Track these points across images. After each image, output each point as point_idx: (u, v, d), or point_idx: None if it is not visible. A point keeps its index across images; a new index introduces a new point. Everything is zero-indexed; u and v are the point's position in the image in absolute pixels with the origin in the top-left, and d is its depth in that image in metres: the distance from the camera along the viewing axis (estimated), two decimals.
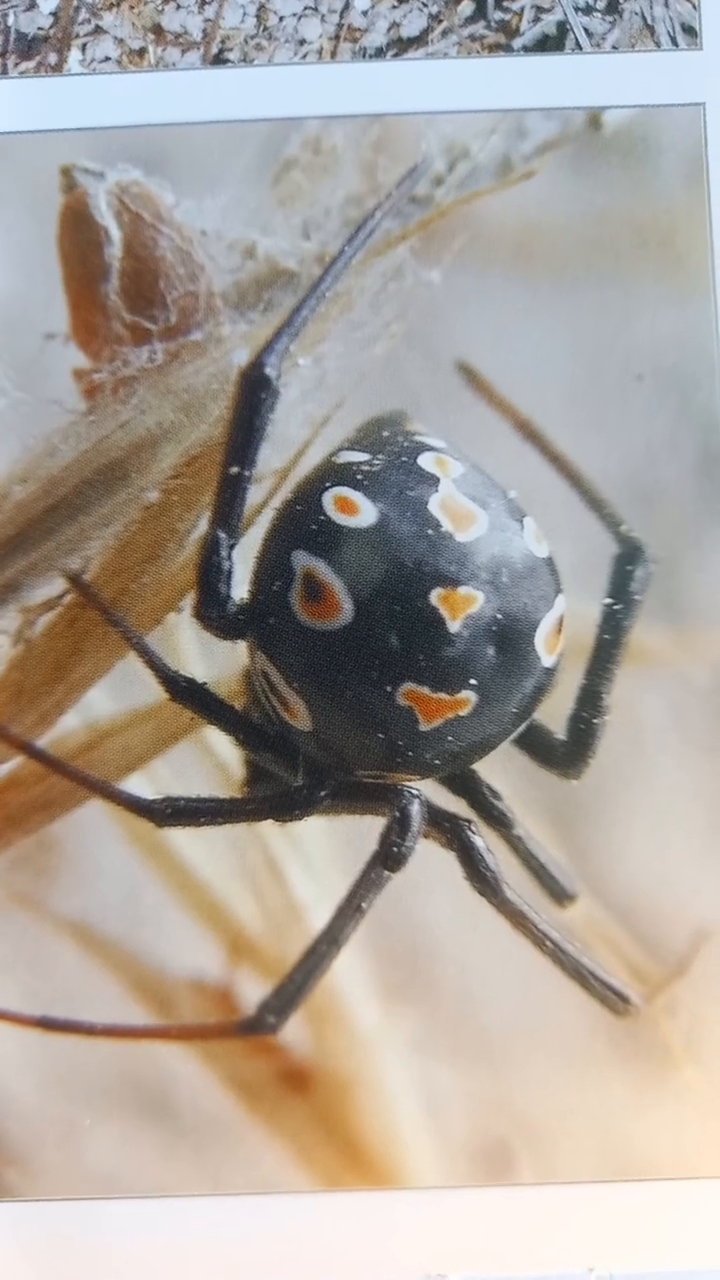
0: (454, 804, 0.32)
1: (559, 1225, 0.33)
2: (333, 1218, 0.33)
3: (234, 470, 0.29)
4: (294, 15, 0.35)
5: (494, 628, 0.29)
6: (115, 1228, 0.33)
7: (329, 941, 0.30)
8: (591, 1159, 0.34)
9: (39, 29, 0.35)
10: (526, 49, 0.34)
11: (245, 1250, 0.33)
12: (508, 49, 0.35)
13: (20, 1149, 0.34)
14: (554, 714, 0.31)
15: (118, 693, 0.32)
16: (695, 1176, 0.33)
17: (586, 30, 0.34)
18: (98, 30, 0.35)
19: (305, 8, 0.34)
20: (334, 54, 0.34)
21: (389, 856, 0.30)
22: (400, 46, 0.35)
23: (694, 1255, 0.33)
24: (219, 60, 0.35)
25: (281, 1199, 0.34)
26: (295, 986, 0.30)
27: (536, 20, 0.34)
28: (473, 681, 0.29)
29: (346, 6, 0.34)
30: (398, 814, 0.30)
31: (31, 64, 0.35)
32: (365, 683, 0.28)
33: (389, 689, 0.28)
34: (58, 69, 0.35)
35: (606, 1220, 0.33)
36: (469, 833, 0.31)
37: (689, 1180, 0.33)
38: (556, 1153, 0.34)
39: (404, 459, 0.30)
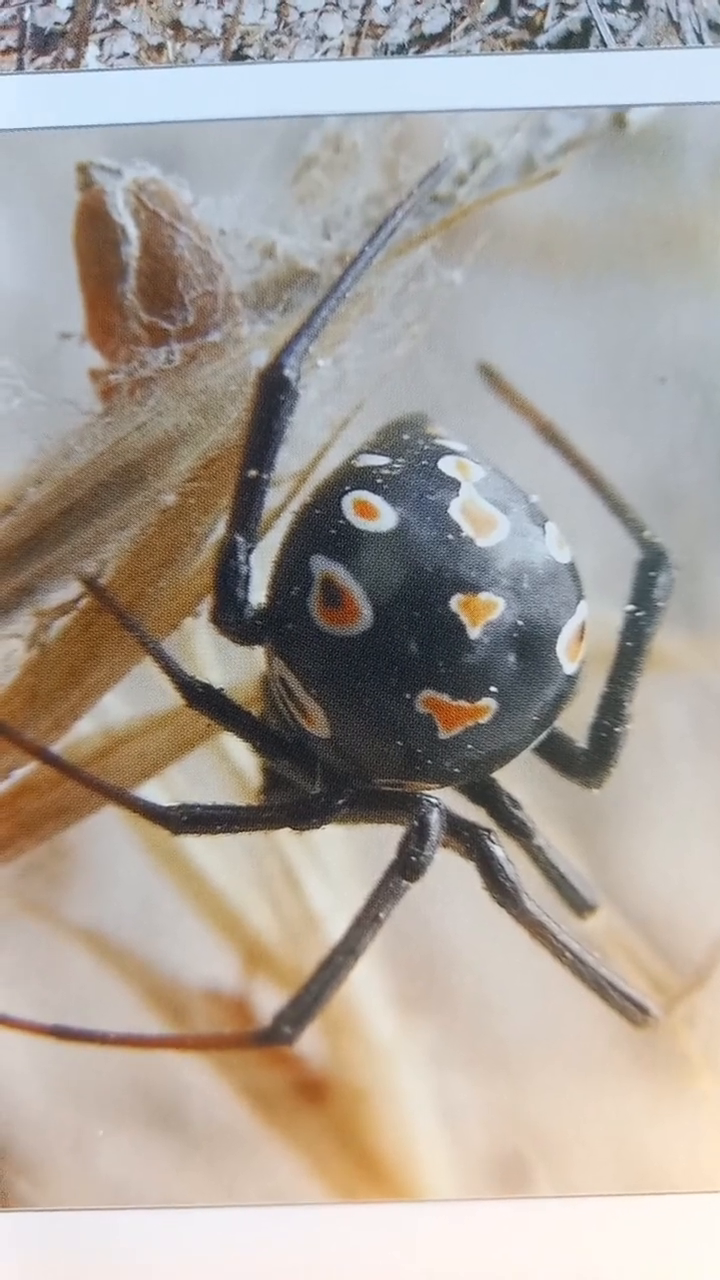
0: (473, 813, 0.31)
1: (575, 1238, 0.33)
2: (348, 1230, 0.33)
3: (252, 473, 0.29)
4: (315, 11, 0.34)
5: (515, 634, 0.28)
6: (127, 1239, 0.33)
7: (346, 951, 0.30)
8: (608, 1171, 0.33)
9: (56, 24, 0.35)
10: (550, 46, 0.34)
11: (258, 1262, 0.33)
12: (531, 46, 0.34)
13: (31, 1159, 0.34)
14: (575, 722, 0.31)
15: (133, 698, 0.32)
16: (712, 1190, 0.33)
17: (611, 27, 0.34)
18: (115, 25, 0.34)
19: (326, 3, 0.34)
20: (355, 50, 0.34)
21: (407, 866, 0.30)
22: (422, 43, 0.34)
23: (710, 1269, 0.33)
24: (238, 56, 0.34)
25: (296, 1211, 0.33)
26: (312, 997, 0.30)
27: (561, 17, 0.34)
28: (493, 689, 0.28)
29: (368, 3, 0.34)
30: (416, 823, 0.30)
31: (48, 59, 0.34)
32: (384, 690, 0.28)
33: (408, 696, 0.28)
34: (75, 64, 0.34)
35: (622, 1233, 0.33)
36: (488, 842, 0.31)
37: (706, 1194, 0.33)
38: (573, 1165, 0.33)
39: (424, 463, 0.29)
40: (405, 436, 0.31)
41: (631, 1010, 0.31)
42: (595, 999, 0.31)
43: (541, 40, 0.34)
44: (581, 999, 0.31)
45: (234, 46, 0.34)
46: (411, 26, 0.34)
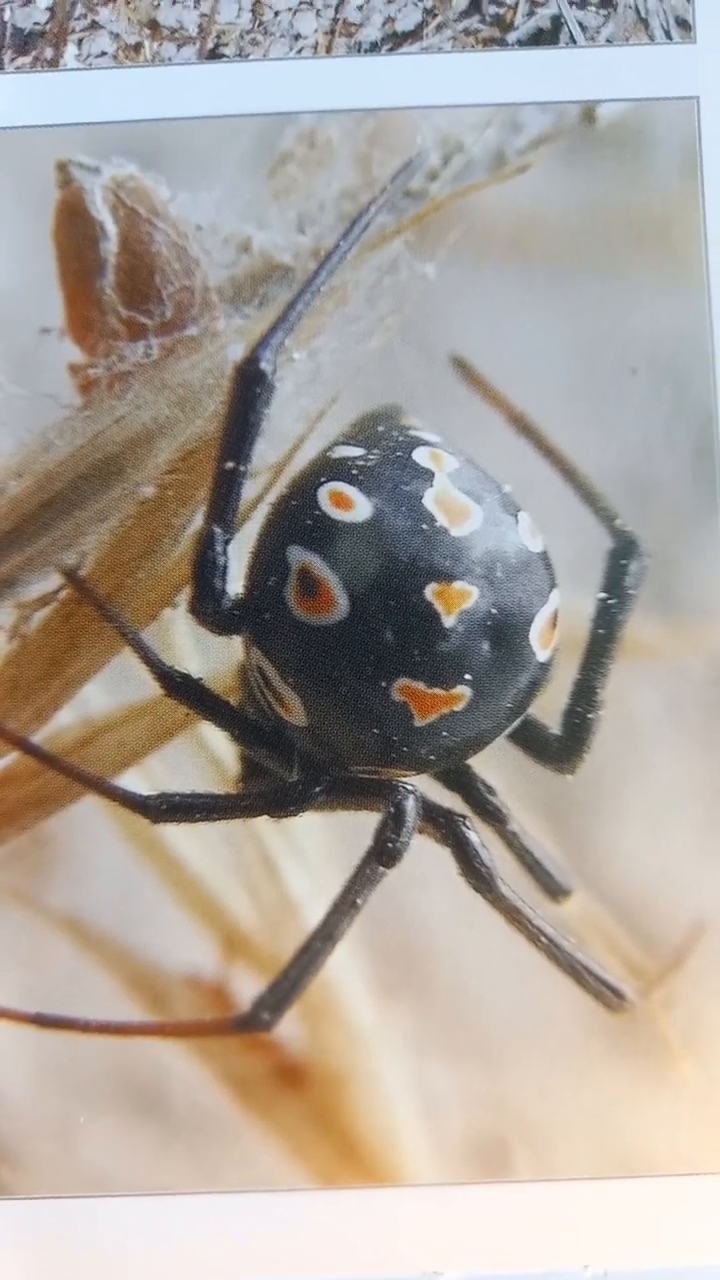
0: (449, 799, 0.32)
1: (555, 1222, 0.33)
2: (329, 1215, 0.33)
3: (229, 465, 0.29)
4: (289, 10, 0.35)
5: (489, 622, 0.29)
6: (109, 1226, 0.33)
7: (324, 938, 0.30)
8: (588, 1155, 0.34)
9: (35, 24, 0.35)
10: (521, 43, 0.34)
11: (241, 1248, 0.33)
12: (502, 43, 0.35)
13: (13, 1146, 0.34)
14: (549, 709, 0.31)
15: (113, 688, 0.32)
16: (692, 1173, 0.33)
17: (580, 24, 0.34)
18: (94, 25, 0.35)
19: (301, 2, 0.34)
20: (329, 49, 0.34)
21: (384, 852, 0.30)
22: (395, 41, 0.34)
23: (690, 1252, 0.33)
24: (214, 55, 0.35)
25: (277, 1196, 0.34)
26: (290, 983, 0.30)
27: (531, 14, 0.34)
28: (467, 676, 0.29)
29: (342, 1, 0.34)
30: (392, 809, 0.30)
31: (27, 59, 0.35)
32: (360, 678, 0.28)
33: (384, 684, 0.28)
34: (54, 64, 0.34)
35: (603, 1217, 0.33)
36: (464, 828, 0.31)
37: (686, 1176, 0.33)
38: (553, 1149, 0.34)
39: (399, 454, 0.30)
40: (380, 428, 0.31)
41: (607, 995, 0.31)
42: (573, 984, 0.31)
43: (512, 37, 0.34)
44: (559, 984, 0.31)
45: (210, 45, 0.35)
46: (384, 25, 0.34)
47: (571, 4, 0.34)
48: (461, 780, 0.32)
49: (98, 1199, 0.34)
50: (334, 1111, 0.34)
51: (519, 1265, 0.33)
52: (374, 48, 0.35)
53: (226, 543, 0.29)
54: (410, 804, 0.30)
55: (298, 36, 0.35)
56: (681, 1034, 0.34)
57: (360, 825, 0.31)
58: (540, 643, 0.29)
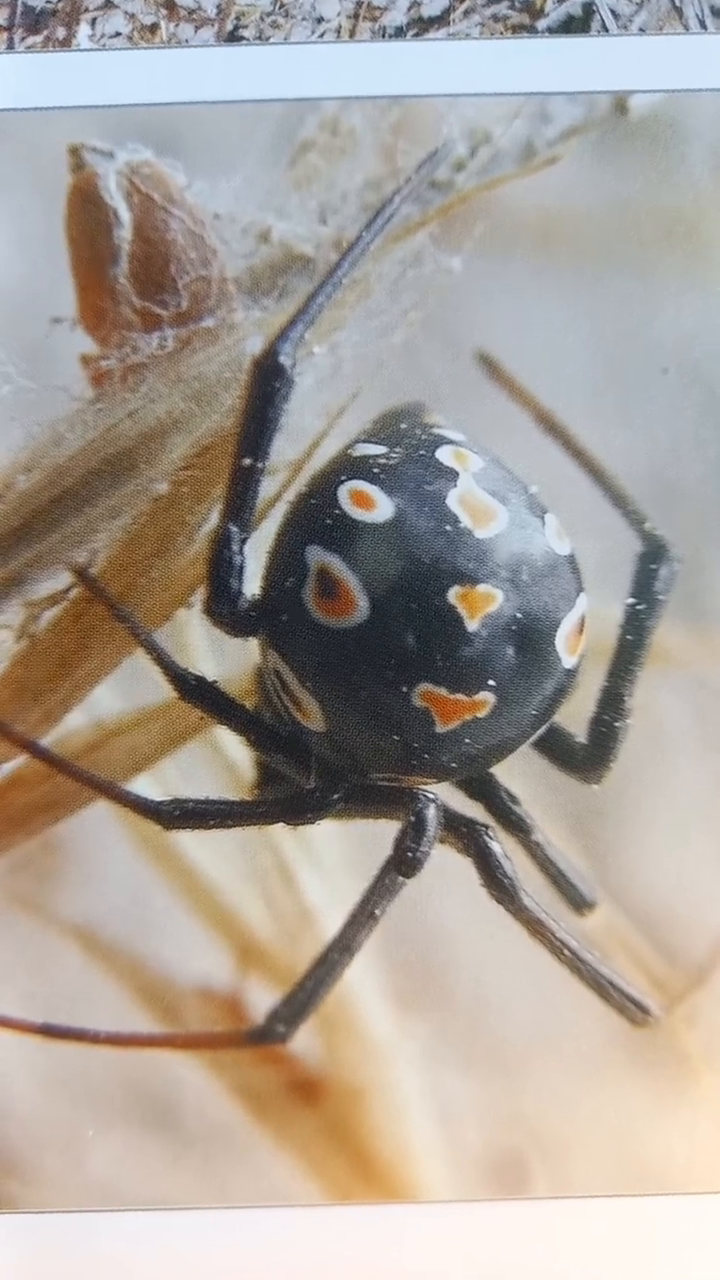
0: (471, 808, 0.31)
1: (574, 1240, 0.33)
2: (343, 1231, 0.33)
3: (246, 462, 0.29)
4: None
5: (513, 627, 0.28)
6: (118, 1240, 0.33)
7: (341, 949, 0.30)
8: (608, 1172, 0.33)
9: (47, 3, 0.34)
10: (551, 30, 0.34)
11: (252, 1264, 0.33)
12: (532, 30, 0.34)
13: (21, 1159, 0.34)
14: (575, 716, 0.31)
15: (125, 690, 0.32)
16: (713, 1191, 0.33)
17: (613, 11, 0.34)
18: (108, 5, 0.34)
19: None
20: (353, 33, 0.34)
21: (403, 862, 0.30)
22: (421, 26, 0.34)
23: (710, 1271, 0.32)
24: (233, 38, 0.34)
25: (290, 1212, 0.33)
26: (306, 994, 0.30)
27: (562, 1, 0.34)
28: (491, 682, 0.28)
29: None
30: (413, 818, 0.30)
31: (39, 39, 0.34)
32: (380, 683, 0.28)
33: (405, 689, 0.28)
34: (66, 44, 0.34)
35: (623, 1235, 0.33)
36: (486, 838, 0.30)
37: (706, 1195, 0.33)
38: (572, 1166, 0.33)
39: (422, 452, 0.29)
40: (402, 425, 0.30)
41: (631, 1009, 0.31)
42: (594, 997, 0.31)
43: (542, 24, 0.34)
44: (580, 997, 0.31)
45: (229, 27, 0.34)
46: (410, 9, 0.34)
47: None
48: (484, 789, 0.31)
49: (106, 1213, 0.33)
50: (349, 1126, 0.34)
51: None
52: (399, 33, 0.34)
53: (243, 542, 0.29)
54: (431, 813, 0.30)
55: (320, 20, 0.34)
56: (703, 1049, 0.33)
57: (379, 834, 0.30)
58: (566, 648, 0.29)
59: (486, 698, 0.28)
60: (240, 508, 0.29)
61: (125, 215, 0.31)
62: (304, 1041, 0.32)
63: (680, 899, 0.34)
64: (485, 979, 0.34)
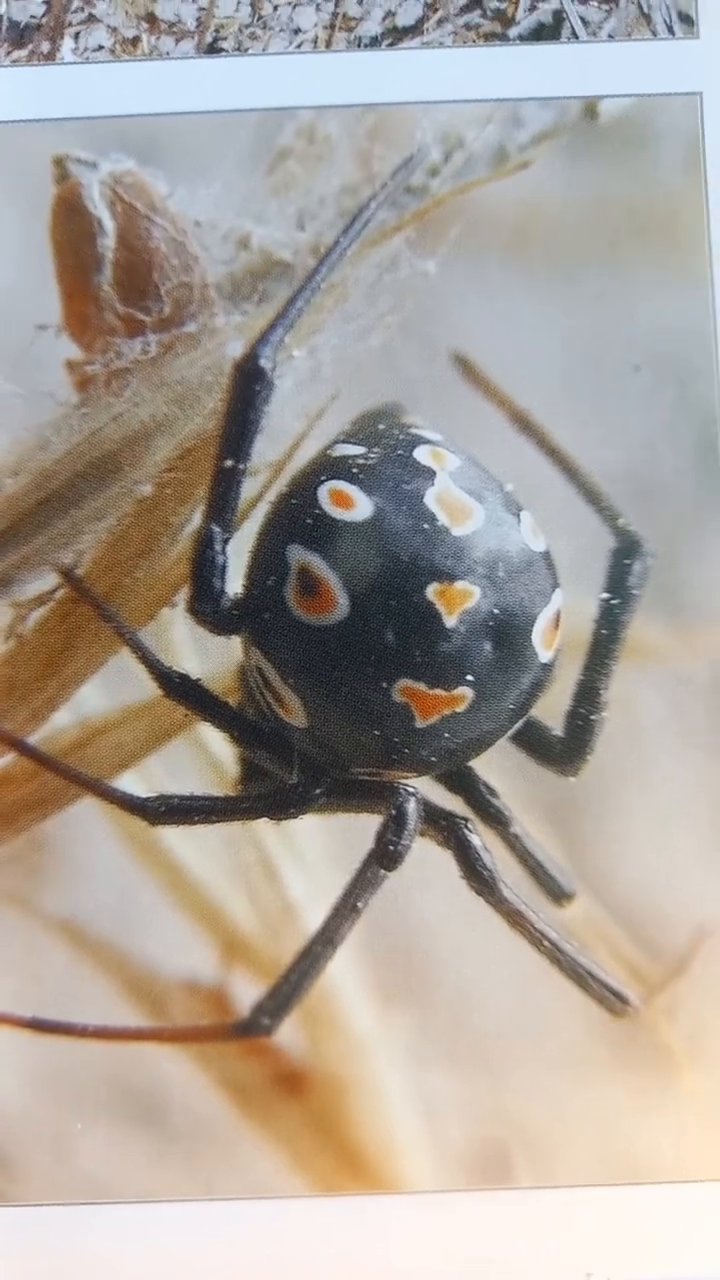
0: (451, 801, 0.31)
1: (557, 1231, 0.33)
2: (328, 1224, 0.33)
3: (228, 463, 0.29)
4: (289, 4, 0.34)
5: (491, 623, 0.28)
6: (105, 1234, 0.33)
7: (324, 942, 0.30)
8: (591, 1163, 0.33)
9: (31, 17, 0.35)
10: (522, 38, 0.34)
11: (238, 1257, 0.33)
12: (503, 38, 0.34)
13: (8, 1153, 0.34)
14: (551, 710, 0.31)
15: (111, 689, 0.32)
16: (696, 1180, 0.33)
17: (583, 19, 0.34)
18: (91, 19, 0.34)
19: None
20: (329, 43, 0.34)
21: (385, 855, 0.30)
22: (395, 35, 0.34)
23: (694, 1261, 0.32)
24: (213, 49, 0.35)
25: (275, 1204, 0.33)
26: (290, 988, 0.30)
27: (532, 9, 0.34)
28: (469, 677, 0.28)
29: None
30: (394, 812, 0.30)
31: (24, 53, 0.34)
32: (361, 679, 0.28)
33: (385, 685, 0.28)
34: (50, 58, 0.34)
35: (605, 1226, 0.33)
36: (465, 831, 0.31)
37: (689, 1184, 0.33)
38: (555, 1157, 0.33)
39: (400, 452, 0.29)
40: (380, 426, 0.31)
41: (611, 1000, 0.31)
42: (575, 989, 0.31)
43: (513, 32, 0.34)
44: (562, 990, 0.31)
45: (209, 39, 0.34)
46: (384, 19, 0.34)
47: None
48: (463, 782, 0.32)
49: (93, 1206, 0.33)
50: (334, 1118, 0.34)
51: (521, 1275, 0.33)
52: (374, 42, 0.34)
53: (225, 542, 0.29)
54: (412, 806, 0.30)
55: (297, 31, 0.34)
56: (685, 1040, 0.33)
57: (361, 828, 0.30)
58: (543, 643, 0.29)
59: (465, 692, 0.28)
60: (222, 508, 0.29)
61: (109, 224, 0.32)
62: (288, 1034, 0.32)
63: (658, 890, 0.34)
64: (467, 971, 0.34)
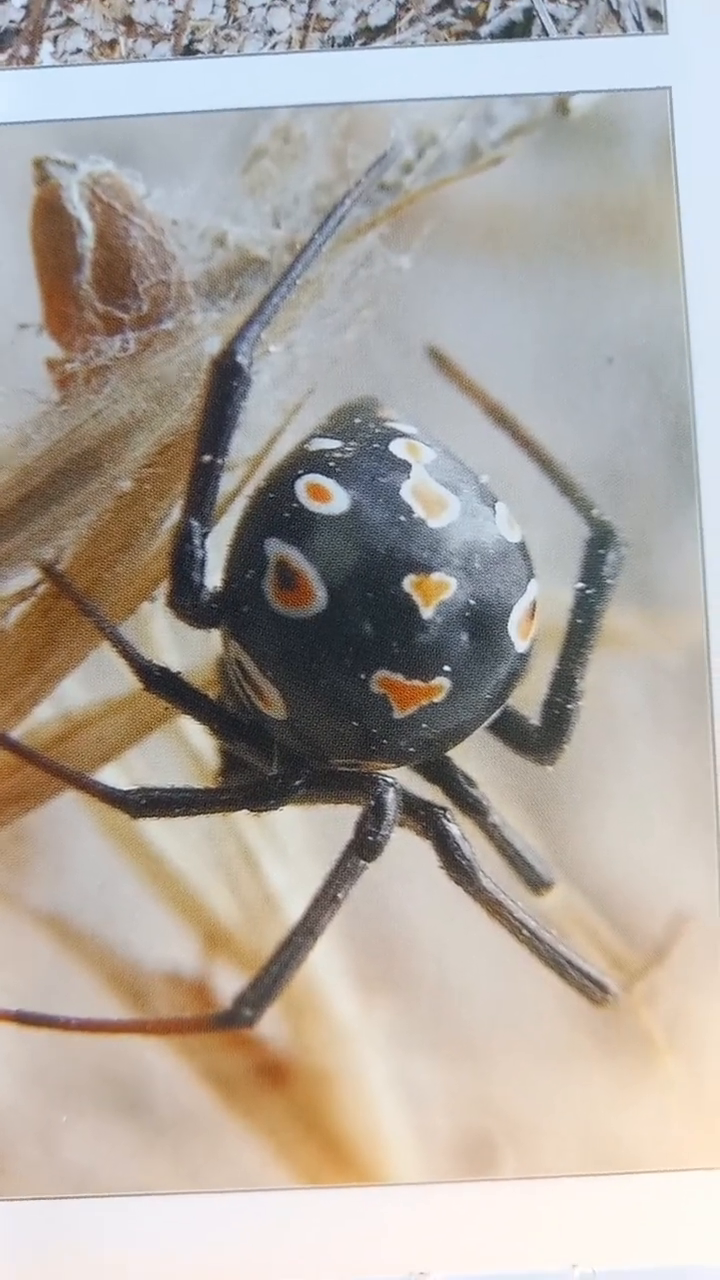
0: (429, 791, 0.32)
1: (542, 1220, 0.33)
2: (313, 1215, 0.33)
3: (206, 458, 0.29)
4: (263, 5, 0.35)
5: (467, 614, 0.29)
6: (91, 1227, 0.33)
7: (305, 932, 0.30)
8: (575, 1152, 0.33)
9: (10, 22, 0.35)
10: (493, 36, 0.35)
11: (225, 1248, 0.33)
12: (475, 36, 0.35)
13: None
14: (528, 700, 0.31)
15: (92, 683, 0.32)
16: (679, 1168, 0.33)
17: (553, 16, 0.34)
18: (69, 23, 0.35)
19: None
20: (303, 44, 0.35)
21: (364, 846, 0.30)
22: (368, 35, 0.35)
23: (678, 1249, 0.32)
24: (189, 51, 0.35)
25: (261, 1196, 0.33)
26: (272, 978, 0.30)
27: (503, 7, 0.34)
28: (446, 668, 0.29)
29: None
30: (373, 802, 0.30)
31: (3, 56, 0.35)
32: (339, 670, 0.28)
33: (363, 676, 0.28)
34: (29, 61, 0.35)
35: (590, 1215, 0.33)
36: (444, 820, 0.31)
37: (673, 1172, 0.33)
38: (539, 1146, 0.33)
39: (376, 445, 0.30)
40: (356, 420, 0.31)
41: (590, 988, 0.31)
42: (556, 978, 0.31)
43: (484, 30, 0.35)
44: (543, 979, 0.31)
45: (185, 41, 0.35)
46: (357, 19, 0.35)
47: None
48: (442, 772, 0.32)
49: (79, 1200, 0.33)
50: (317, 1109, 0.34)
51: (506, 1265, 0.33)
52: (347, 42, 0.35)
53: (204, 536, 0.29)
54: (390, 797, 0.30)
55: (271, 32, 0.35)
56: (665, 1028, 0.33)
57: (341, 819, 0.30)
58: (519, 633, 0.29)
59: (442, 683, 0.29)
60: (201, 503, 0.29)
61: (88, 224, 0.32)
62: (271, 1026, 0.32)
63: (637, 878, 0.34)
64: (447, 960, 0.34)
